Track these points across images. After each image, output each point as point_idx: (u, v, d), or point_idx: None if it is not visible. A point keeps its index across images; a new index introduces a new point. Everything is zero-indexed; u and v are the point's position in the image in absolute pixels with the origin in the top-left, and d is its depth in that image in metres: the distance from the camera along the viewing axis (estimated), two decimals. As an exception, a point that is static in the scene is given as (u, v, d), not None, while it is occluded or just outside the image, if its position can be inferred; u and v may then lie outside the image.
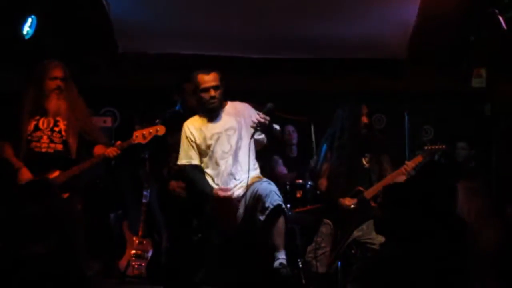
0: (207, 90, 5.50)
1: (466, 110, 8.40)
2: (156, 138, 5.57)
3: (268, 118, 5.31)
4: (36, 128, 5.54)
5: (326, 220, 6.12)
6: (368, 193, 5.94)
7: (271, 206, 5.16)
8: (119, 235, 6.53)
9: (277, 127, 5.56)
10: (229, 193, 5.37)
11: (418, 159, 5.99)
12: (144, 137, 5.48)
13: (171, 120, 6.03)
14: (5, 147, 5.54)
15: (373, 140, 6.23)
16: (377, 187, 5.92)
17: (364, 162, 6.12)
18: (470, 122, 8.37)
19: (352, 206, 5.99)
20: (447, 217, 3.99)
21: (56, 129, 5.55)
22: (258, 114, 5.34)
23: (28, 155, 5.48)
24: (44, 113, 5.58)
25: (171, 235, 6.27)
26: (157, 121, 5.55)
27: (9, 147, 5.53)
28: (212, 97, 5.49)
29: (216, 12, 7.32)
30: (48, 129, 5.53)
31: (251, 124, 5.37)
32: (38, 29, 6.52)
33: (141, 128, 5.47)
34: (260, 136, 5.59)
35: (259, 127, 5.34)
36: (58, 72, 5.61)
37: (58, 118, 5.57)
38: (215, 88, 5.49)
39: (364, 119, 6.16)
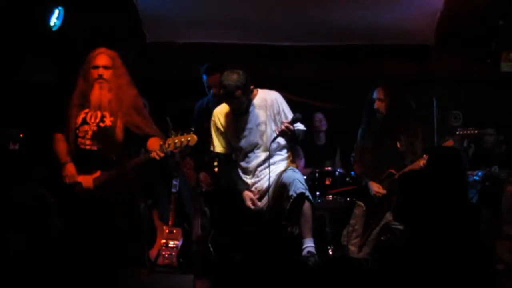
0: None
1: (495, 94, 8.33)
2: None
3: (292, 128, 5.31)
4: (84, 121, 5.37)
5: (359, 202, 6.16)
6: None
7: (294, 195, 5.24)
8: (150, 224, 6.56)
9: (301, 127, 5.55)
10: (254, 205, 5.45)
11: (450, 143, 5.96)
12: (175, 146, 5.23)
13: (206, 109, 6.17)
14: (58, 140, 5.45)
15: (396, 122, 6.16)
16: (407, 170, 5.88)
17: (398, 145, 6.07)
18: (499, 107, 8.30)
19: (378, 195, 6.00)
20: (460, 204, 3.98)
21: (102, 124, 5.34)
22: (283, 123, 5.33)
23: (74, 151, 5.37)
24: (89, 105, 5.38)
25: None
26: (192, 129, 5.45)
27: (62, 140, 5.43)
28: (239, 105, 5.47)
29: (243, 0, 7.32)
30: (94, 124, 5.34)
31: (276, 128, 5.40)
32: (66, 20, 6.56)
33: (175, 135, 5.35)
34: None
35: (281, 135, 5.37)
36: (100, 61, 5.37)
37: (105, 113, 5.36)
38: (239, 102, 5.43)
39: (377, 104, 6.14)
